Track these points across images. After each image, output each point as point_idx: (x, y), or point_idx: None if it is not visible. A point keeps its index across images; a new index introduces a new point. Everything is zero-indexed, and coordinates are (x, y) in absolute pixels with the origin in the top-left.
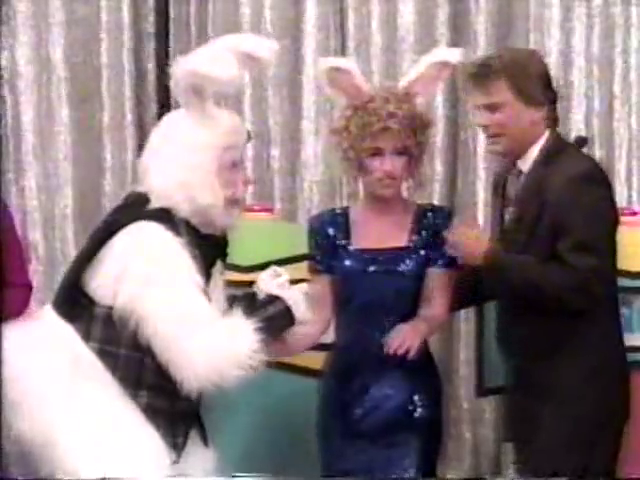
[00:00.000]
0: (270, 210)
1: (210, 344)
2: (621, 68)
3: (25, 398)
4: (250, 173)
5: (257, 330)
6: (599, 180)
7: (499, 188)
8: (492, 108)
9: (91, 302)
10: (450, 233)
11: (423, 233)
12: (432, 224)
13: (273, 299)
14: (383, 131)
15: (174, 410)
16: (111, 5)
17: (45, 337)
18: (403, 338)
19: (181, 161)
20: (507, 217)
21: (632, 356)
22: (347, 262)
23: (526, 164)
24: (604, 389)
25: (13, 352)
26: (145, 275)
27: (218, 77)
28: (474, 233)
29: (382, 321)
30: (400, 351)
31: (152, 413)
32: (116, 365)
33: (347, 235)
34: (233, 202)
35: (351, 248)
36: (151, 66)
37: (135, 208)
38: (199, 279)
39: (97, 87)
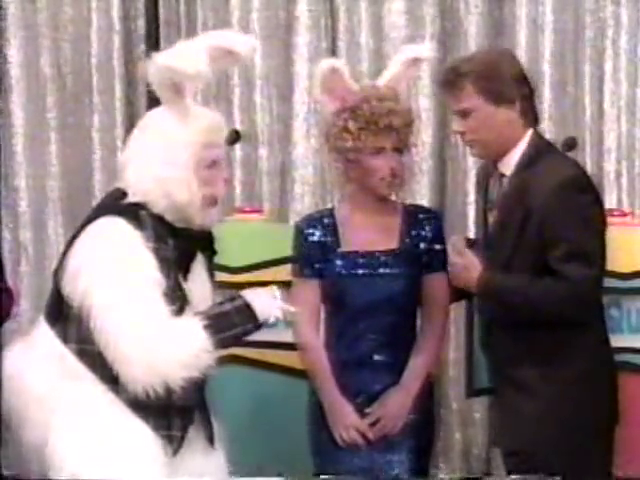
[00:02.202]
0: (260, 211)
1: (150, 346)
2: (611, 68)
3: (23, 404)
4: (238, 173)
5: (207, 328)
6: (584, 186)
7: (481, 186)
8: (464, 114)
9: (65, 302)
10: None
11: (414, 235)
12: (423, 227)
13: (234, 297)
14: (386, 128)
15: (165, 403)
16: (101, 7)
17: (35, 343)
18: (384, 424)
19: (159, 157)
20: (490, 220)
21: (621, 357)
22: (337, 265)
23: (508, 167)
24: (593, 394)
25: (10, 362)
26: (97, 270)
27: (184, 70)
28: (464, 261)
29: (374, 324)
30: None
31: (138, 407)
32: (95, 363)
33: (336, 237)
34: (211, 201)
35: (340, 251)
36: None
37: (107, 204)
38: (157, 276)
39: (87, 88)
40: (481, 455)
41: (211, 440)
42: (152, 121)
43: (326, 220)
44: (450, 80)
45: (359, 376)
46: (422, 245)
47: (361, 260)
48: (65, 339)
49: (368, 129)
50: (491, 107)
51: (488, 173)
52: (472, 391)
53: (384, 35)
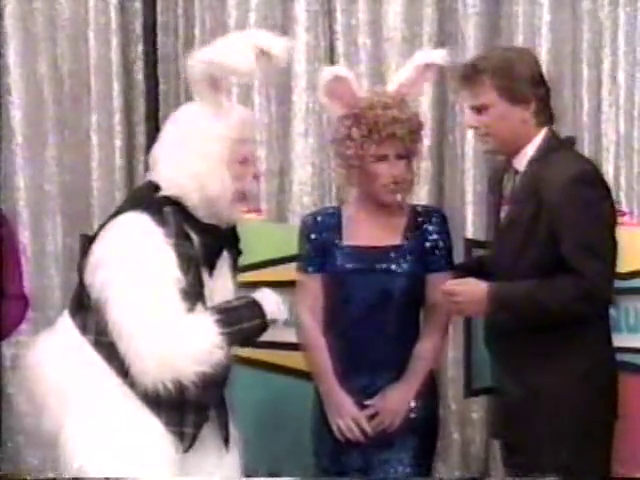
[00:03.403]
0: (259, 211)
1: (163, 341)
2: (609, 69)
3: (41, 393)
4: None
5: (218, 322)
6: (596, 181)
7: (495, 185)
8: (479, 109)
9: (85, 293)
10: (444, 296)
11: (418, 234)
12: (428, 226)
13: (243, 297)
14: (389, 137)
15: (179, 399)
16: (98, 6)
17: (56, 333)
18: (382, 418)
19: (194, 151)
20: (502, 216)
21: (619, 357)
22: (340, 260)
23: (522, 163)
24: (594, 391)
25: (32, 351)
26: (116, 264)
27: (234, 66)
28: (467, 287)
29: (377, 321)
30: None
31: (151, 401)
32: (110, 355)
33: (339, 233)
34: (241, 196)
35: (343, 245)
36: (139, 67)
37: (137, 197)
38: (175, 273)
39: (85, 88)
40: (479, 455)
41: (226, 442)
42: (186, 115)
43: (330, 217)
44: (468, 75)
45: (362, 373)
46: (426, 244)
47: (363, 255)
48: (84, 330)
49: (371, 137)
50: (506, 105)
51: (503, 170)
52: (470, 391)
53: (382, 36)
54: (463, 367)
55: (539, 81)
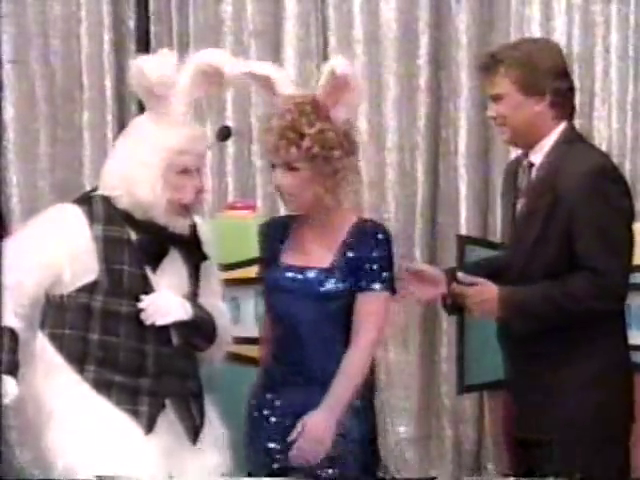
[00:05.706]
0: (252, 207)
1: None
2: (601, 66)
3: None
4: (231, 169)
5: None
6: (616, 175)
7: (510, 178)
8: (496, 99)
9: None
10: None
11: (349, 253)
12: (360, 245)
13: None
14: (268, 147)
15: (130, 385)
16: (91, 3)
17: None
18: (304, 455)
19: (131, 157)
20: (518, 208)
21: None
22: (272, 277)
23: (538, 157)
24: (608, 392)
25: None
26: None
27: (149, 75)
28: (475, 291)
29: (305, 342)
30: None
31: (101, 386)
32: (62, 344)
33: (280, 247)
34: (178, 207)
35: (279, 262)
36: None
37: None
38: (56, 259)
39: (77, 85)
40: (472, 451)
41: (194, 436)
42: (134, 123)
43: (281, 227)
44: (486, 64)
45: (288, 392)
46: (358, 263)
47: (293, 274)
48: (42, 325)
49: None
50: (520, 96)
51: (517, 164)
52: (463, 388)
53: (375, 31)
54: (456, 364)
55: (560, 74)
